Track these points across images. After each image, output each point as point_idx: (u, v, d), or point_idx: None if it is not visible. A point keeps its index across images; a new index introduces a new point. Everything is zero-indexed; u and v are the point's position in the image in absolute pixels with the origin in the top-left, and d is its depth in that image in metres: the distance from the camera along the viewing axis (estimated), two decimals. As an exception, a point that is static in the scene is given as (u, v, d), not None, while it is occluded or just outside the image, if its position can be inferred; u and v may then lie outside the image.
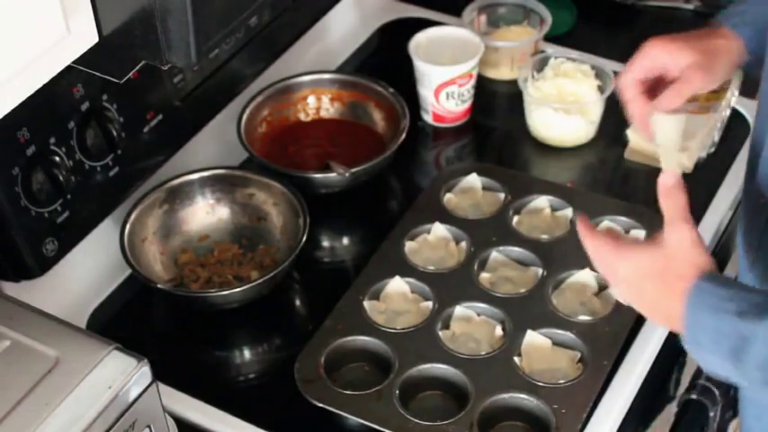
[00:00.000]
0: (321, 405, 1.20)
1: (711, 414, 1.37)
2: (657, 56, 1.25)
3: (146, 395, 0.98)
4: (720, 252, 1.45)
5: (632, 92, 1.24)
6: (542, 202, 1.43)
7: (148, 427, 1.01)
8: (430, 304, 1.31)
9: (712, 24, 1.29)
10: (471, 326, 1.29)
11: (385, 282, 1.33)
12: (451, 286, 1.32)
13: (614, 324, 1.27)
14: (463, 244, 1.38)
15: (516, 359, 1.24)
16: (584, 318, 1.28)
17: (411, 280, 1.33)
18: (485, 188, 1.46)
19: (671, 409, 1.45)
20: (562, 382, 1.22)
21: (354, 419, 1.20)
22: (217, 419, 1.23)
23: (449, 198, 1.45)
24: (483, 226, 1.40)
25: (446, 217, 1.41)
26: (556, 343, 1.27)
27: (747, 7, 1.28)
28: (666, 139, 1.22)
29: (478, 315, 1.30)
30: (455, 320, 1.30)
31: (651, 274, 1.05)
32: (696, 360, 1.05)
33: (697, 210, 1.44)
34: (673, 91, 1.23)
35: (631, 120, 1.27)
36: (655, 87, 1.26)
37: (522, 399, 1.20)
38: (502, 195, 1.44)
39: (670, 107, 1.24)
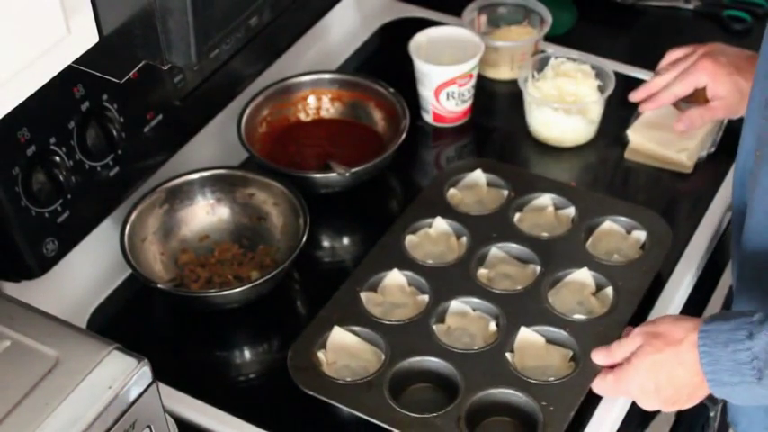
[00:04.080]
0: (311, 393, 1.20)
1: (711, 414, 1.37)
2: (704, 80, 1.42)
3: (146, 395, 0.98)
4: (719, 253, 1.45)
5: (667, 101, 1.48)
6: (545, 200, 1.43)
7: (148, 427, 1.01)
8: (426, 298, 1.31)
9: None
10: (466, 321, 1.30)
11: (383, 274, 1.34)
12: (448, 281, 1.33)
13: (608, 324, 1.27)
14: (464, 239, 1.38)
15: (508, 355, 1.24)
16: (578, 316, 1.28)
17: (409, 273, 1.34)
18: (489, 185, 1.46)
19: (671, 409, 1.45)
20: (552, 379, 1.22)
21: (350, 418, 1.20)
22: (217, 419, 1.23)
23: (452, 193, 1.45)
24: (484, 222, 1.40)
25: (448, 212, 1.41)
26: (549, 340, 1.27)
27: None
28: None
29: (474, 310, 1.31)
30: (450, 315, 1.30)
31: (653, 369, 1.12)
32: (731, 401, 1.12)
33: (696, 210, 1.44)
34: (692, 117, 1.45)
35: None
36: None
37: (511, 394, 1.20)
38: (505, 192, 1.44)
39: (691, 128, 1.46)
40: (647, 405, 1.17)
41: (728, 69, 1.41)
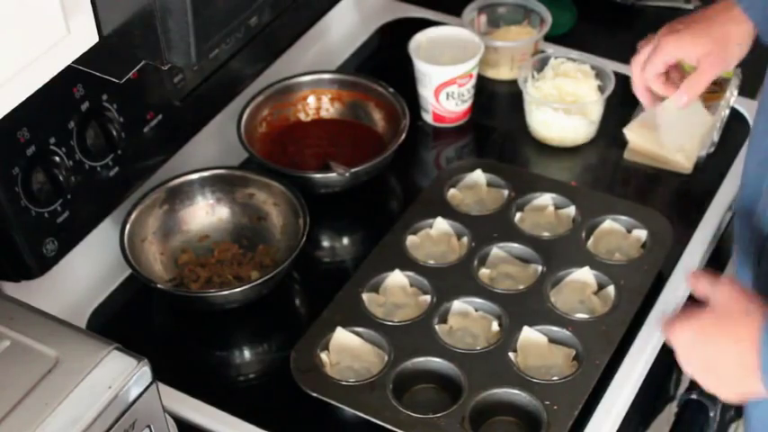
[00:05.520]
0: (315, 395, 1.20)
1: (711, 414, 1.37)
2: (672, 52, 1.34)
3: (146, 395, 0.98)
4: (719, 253, 1.45)
5: (658, 85, 1.36)
6: (546, 199, 1.43)
7: (148, 427, 1.01)
8: (428, 298, 1.31)
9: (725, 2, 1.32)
10: (468, 321, 1.30)
11: (384, 275, 1.34)
12: (450, 281, 1.33)
13: (610, 323, 1.27)
14: (465, 239, 1.38)
15: (511, 355, 1.24)
16: (581, 316, 1.28)
17: (411, 274, 1.34)
18: (489, 185, 1.47)
19: (671, 409, 1.45)
20: (555, 378, 1.22)
21: (353, 419, 1.20)
22: (217, 419, 1.23)
23: (453, 194, 1.45)
24: (485, 222, 1.40)
25: (449, 212, 1.41)
26: (552, 340, 1.27)
27: None
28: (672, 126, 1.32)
29: (476, 310, 1.31)
30: (452, 315, 1.30)
31: (705, 337, 1.06)
32: None
33: (696, 210, 1.44)
34: (688, 85, 1.33)
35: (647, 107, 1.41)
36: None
37: (515, 394, 1.21)
38: (506, 192, 1.44)
39: (687, 102, 1.34)
40: (686, 366, 1.11)
41: (687, 28, 1.35)
